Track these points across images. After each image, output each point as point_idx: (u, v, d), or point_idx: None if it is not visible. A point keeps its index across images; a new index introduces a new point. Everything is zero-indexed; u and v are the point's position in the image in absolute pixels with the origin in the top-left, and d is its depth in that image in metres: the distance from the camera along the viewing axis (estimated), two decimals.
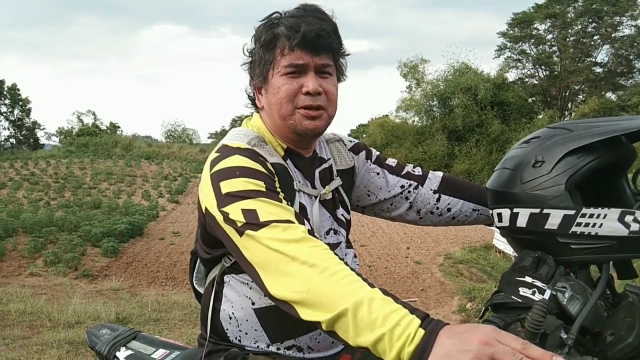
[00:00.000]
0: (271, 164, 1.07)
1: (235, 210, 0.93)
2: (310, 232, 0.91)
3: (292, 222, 0.91)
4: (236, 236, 0.93)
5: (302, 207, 1.13)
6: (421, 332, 0.73)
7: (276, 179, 1.04)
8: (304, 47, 1.05)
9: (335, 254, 0.88)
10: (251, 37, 1.14)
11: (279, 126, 1.13)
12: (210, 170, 1.03)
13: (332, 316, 0.79)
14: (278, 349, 1.14)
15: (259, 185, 0.97)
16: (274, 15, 1.10)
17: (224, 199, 0.96)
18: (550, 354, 0.69)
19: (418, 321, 0.75)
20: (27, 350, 3.92)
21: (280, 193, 1.00)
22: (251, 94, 1.20)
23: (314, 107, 1.08)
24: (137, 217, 12.99)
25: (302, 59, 1.06)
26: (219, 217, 0.96)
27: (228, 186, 0.97)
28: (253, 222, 0.91)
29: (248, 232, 0.91)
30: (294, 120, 1.09)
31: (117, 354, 1.43)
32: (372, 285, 0.82)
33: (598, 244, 0.97)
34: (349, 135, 1.41)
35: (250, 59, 1.15)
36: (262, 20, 1.11)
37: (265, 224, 0.90)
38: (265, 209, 0.92)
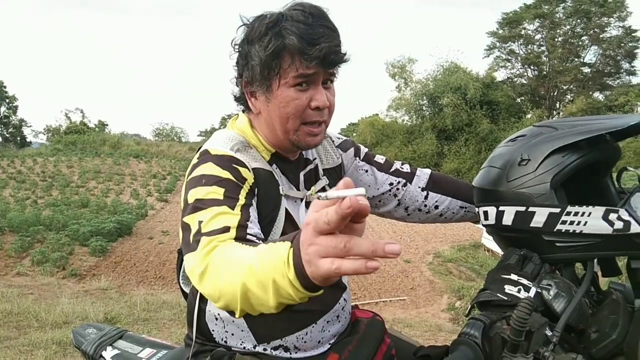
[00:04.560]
0: (253, 169, 1.05)
1: (193, 222, 0.93)
2: (241, 236, 0.88)
3: (226, 230, 0.88)
4: None
5: (288, 213, 1.11)
6: (291, 250, 0.67)
7: (249, 185, 1.02)
8: (319, 62, 1.00)
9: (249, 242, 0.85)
10: (237, 29, 1.08)
11: (277, 136, 1.10)
12: (187, 177, 1.03)
13: (241, 300, 0.76)
14: (265, 349, 1.13)
15: (218, 193, 0.96)
16: (276, 17, 1.01)
17: (189, 209, 0.96)
18: (383, 242, 0.57)
19: (288, 244, 0.69)
20: (13, 351, 3.87)
21: (241, 199, 0.97)
22: (238, 94, 1.14)
23: (319, 122, 1.07)
24: (125, 216, 12.91)
25: (313, 69, 1.01)
26: (180, 232, 0.96)
27: (193, 194, 0.97)
28: (195, 238, 0.89)
29: (187, 255, 0.89)
30: (298, 136, 1.07)
31: (104, 353, 1.41)
32: (257, 245, 0.79)
33: (583, 241, 0.98)
34: (339, 134, 1.39)
35: (240, 55, 1.08)
36: (263, 20, 1.02)
37: (199, 239, 0.88)
38: (211, 218, 0.91)
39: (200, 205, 0.94)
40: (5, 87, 40.22)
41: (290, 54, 1.00)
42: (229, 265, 0.79)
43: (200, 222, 0.91)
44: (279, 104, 1.04)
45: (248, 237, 0.90)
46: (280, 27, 1.00)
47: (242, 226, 0.91)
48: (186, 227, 0.94)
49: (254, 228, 0.94)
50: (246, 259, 0.75)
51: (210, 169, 1.00)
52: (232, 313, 0.82)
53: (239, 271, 0.75)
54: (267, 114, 1.08)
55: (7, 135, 41.40)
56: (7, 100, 40.58)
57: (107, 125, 41.05)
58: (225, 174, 1.00)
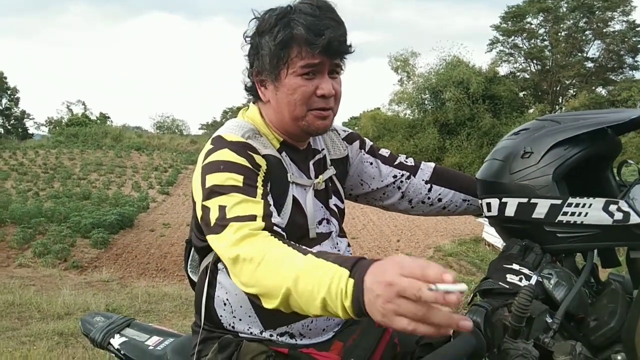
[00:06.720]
0: (263, 155, 1.09)
1: (213, 206, 0.98)
2: (269, 226, 0.94)
3: (253, 218, 0.94)
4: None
5: (295, 200, 1.15)
6: (351, 282, 0.74)
7: (263, 171, 1.07)
8: (324, 52, 1.04)
9: (287, 241, 0.91)
10: (249, 22, 1.12)
11: (286, 123, 1.13)
12: (203, 162, 1.06)
13: (281, 300, 0.83)
14: (271, 335, 1.16)
15: (237, 180, 1.00)
16: (285, 9, 1.06)
17: (206, 193, 1.01)
18: (443, 269, 0.65)
19: (347, 272, 0.75)
20: (16, 342, 3.90)
21: (259, 187, 1.02)
22: (249, 84, 1.18)
23: (326, 108, 1.10)
24: (127, 209, 12.94)
25: (319, 59, 1.05)
26: (200, 213, 1.02)
27: (211, 180, 1.01)
28: (220, 222, 0.95)
29: (211, 236, 0.98)
30: (307, 122, 1.10)
31: (112, 340, 1.44)
32: (305, 252, 0.84)
33: (583, 232, 1.00)
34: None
35: (251, 46, 1.12)
36: (273, 12, 1.07)
37: (226, 224, 0.94)
38: (234, 204, 0.96)
39: (220, 190, 0.99)
40: (6, 78, 40.15)
41: (298, 44, 1.04)
42: (272, 264, 0.85)
43: (223, 207, 0.97)
44: (286, 92, 1.08)
45: (275, 228, 0.95)
46: (289, 19, 1.05)
47: (267, 216, 0.96)
48: (206, 211, 0.99)
49: (277, 218, 0.99)
50: (293, 266, 0.82)
51: (227, 155, 1.04)
52: (258, 299, 0.89)
53: (285, 275, 0.82)
54: (275, 102, 1.12)
55: (9, 127, 41.39)
56: (9, 92, 40.51)
57: (108, 117, 41.05)
58: (242, 161, 1.04)
